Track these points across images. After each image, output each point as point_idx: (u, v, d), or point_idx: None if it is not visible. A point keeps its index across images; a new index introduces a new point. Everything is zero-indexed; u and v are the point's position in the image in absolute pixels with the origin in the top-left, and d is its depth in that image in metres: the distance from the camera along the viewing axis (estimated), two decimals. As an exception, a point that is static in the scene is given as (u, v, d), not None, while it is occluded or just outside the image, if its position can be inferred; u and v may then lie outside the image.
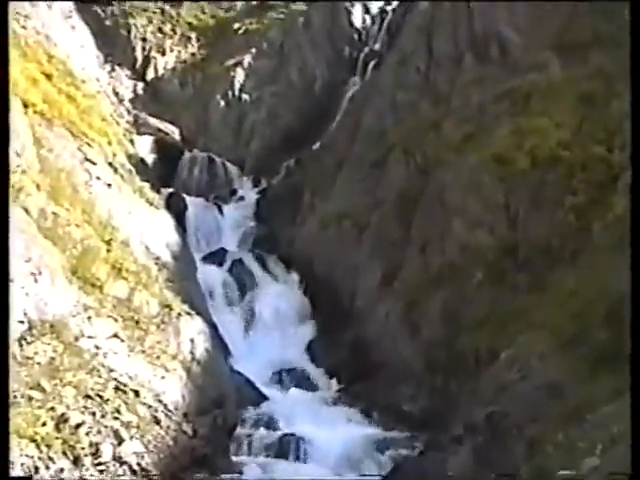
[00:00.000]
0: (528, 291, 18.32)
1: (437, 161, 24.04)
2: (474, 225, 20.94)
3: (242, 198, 35.52)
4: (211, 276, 27.77)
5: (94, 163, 19.24)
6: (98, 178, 18.95)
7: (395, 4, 43.80)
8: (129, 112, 38.26)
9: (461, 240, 21.15)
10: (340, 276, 26.43)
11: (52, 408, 10.46)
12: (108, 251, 15.12)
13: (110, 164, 21.49)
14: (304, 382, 23.77)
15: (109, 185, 19.61)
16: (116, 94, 38.62)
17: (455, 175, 22.39)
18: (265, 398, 21.77)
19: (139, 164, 27.06)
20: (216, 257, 29.63)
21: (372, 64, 38.47)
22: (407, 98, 29.26)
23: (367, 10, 43.62)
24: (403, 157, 26.22)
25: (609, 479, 8.41)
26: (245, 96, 40.59)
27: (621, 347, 10.10)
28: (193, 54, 44.22)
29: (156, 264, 19.25)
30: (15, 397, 9.87)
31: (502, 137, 22.05)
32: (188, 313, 16.24)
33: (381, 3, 44.28)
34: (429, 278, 21.74)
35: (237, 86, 40.97)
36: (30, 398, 10.34)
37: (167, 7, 46.55)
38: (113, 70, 40.79)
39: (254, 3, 46.89)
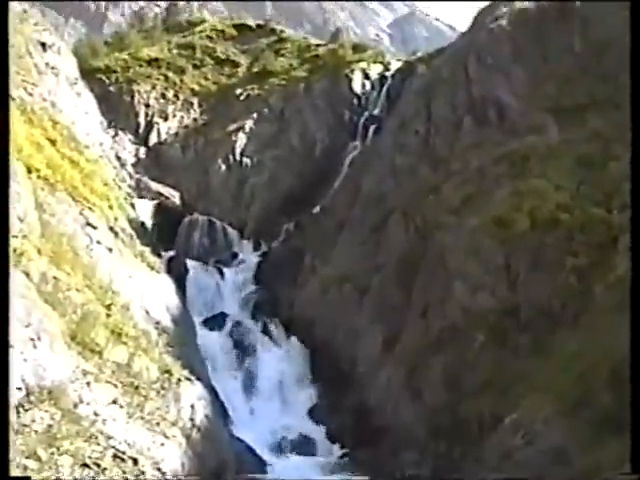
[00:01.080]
0: (530, 354, 18.18)
1: (437, 224, 24.16)
2: (475, 288, 20.93)
3: (243, 261, 35.61)
4: (211, 340, 27.63)
5: (95, 227, 19.38)
6: (99, 242, 19.05)
7: (394, 70, 44.93)
8: (131, 176, 38.76)
9: (462, 303, 21.10)
10: (341, 340, 26.28)
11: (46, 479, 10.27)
12: (108, 316, 15.10)
13: (111, 228, 21.63)
14: (305, 448, 23.39)
15: (110, 249, 19.71)
16: (119, 159, 39.12)
17: (455, 238, 22.48)
18: (266, 465, 21.39)
19: (140, 228, 27.20)
20: (216, 321, 29.55)
21: (372, 129, 39.25)
22: (407, 162, 29.65)
23: (367, 76, 44.65)
24: (403, 220, 26.37)
25: (614, 478, 8.23)
26: (246, 160, 41.21)
27: (625, 410, 9.99)
28: (195, 119, 45.13)
29: (156, 328, 19.18)
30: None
31: (501, 199, 22.26)
32: (188, 379, 16.10)
33: (380, 69, 45.38)
34: (430, 342, 21.61)
35: (238, 150, 41.65)
36: (25, 467, 10.18)
37: (170, 74, 47.84)
38: (116, 135, 41.59)
39: (255, 70, 48.20)
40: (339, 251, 29.67)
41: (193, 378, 16.60)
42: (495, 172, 23.96)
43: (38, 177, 17.47)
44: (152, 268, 23.45)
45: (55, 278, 13.59)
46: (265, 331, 29.27)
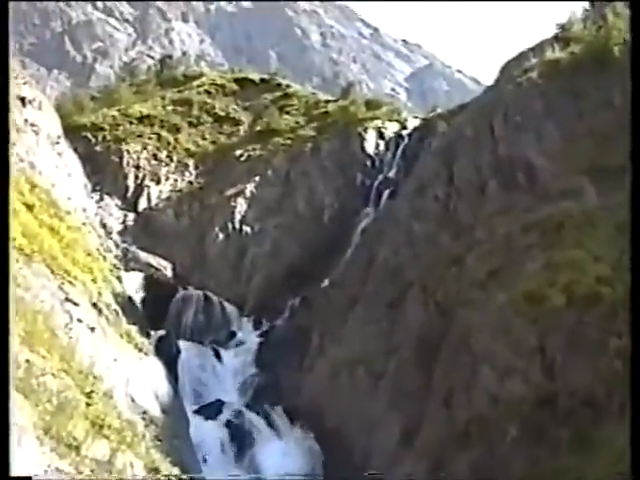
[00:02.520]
0: (571, 450, 17.77)
1: (460, 300, 24.00)
2: (505, 373, 20.63)
3: (242, 342, 35.45)
4: (206, 432, 27.23)
5: (76, 304, 19.39)
6: (80, 321, 19.02)
7: (411, 128, 45.55)
8: (117, 246, 38.98)
9: (490, 390, 20.78)
10: (353, 431, 25.86)
11: None
12: (88, 405, 14.91)
13: (94, 304, 21.65)
14: None
15: (92, 329, 19.66)
16: (104, 226, 39.49)
17: (481, 316, 22.31)
18: None
19: (127, 304, 27.20)
20: (212, 410, 29.18)
21: (387, 193, 39.60)
22: (425, 230, 29.72)
23: (381, 135, 45.29)
24: (422, 296, 26.26)
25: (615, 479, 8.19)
26: (246, 228, 41.48)
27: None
28: (190, 182, 45.66)
29: (143, 419, 18.94)
30: None
31: (533, 272, 22.13)
32: (179, 478, 15.80)
33: (396, 127, 46.02)
34: (455, 435, 21.20)
35: (238, 217, 41.97)
36: None
37: (164, 132, 48.67)
38: (102, 200, 42.06)
39: (258, 129, 48.99)
40: (351, 330, 29.48)
41: (184, 477, 16.29)
42: (525, 241, 23.90)
43: (12, 247, 17.58)
44: (140, 349, 23.32)
45: (28, 362, 13.49)
46: (267, 421, 28.85)
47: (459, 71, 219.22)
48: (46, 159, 28.62)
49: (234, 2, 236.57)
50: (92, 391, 15.94)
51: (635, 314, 8.29)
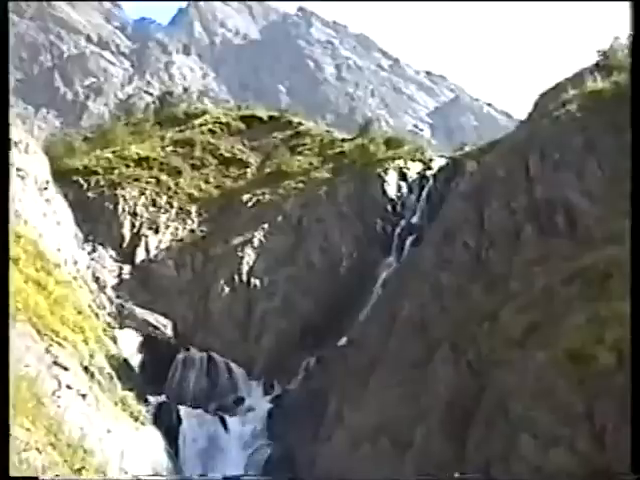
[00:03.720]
0: (625, 531, 17.40)
1: (495, 360, 23.73)
2: (548, 442, 20.30)
3: (251, 408, 35.16)
4: (210, 514, 26.93)
5: (65, 368, 19.34)
6: (69, 387, 18.95)
7: (436, 168, 45.63)
8: (112, 302, 38.98)
9: (532, 462, 20.41)
10: (377, 510, 25.44)
11: None
12: (77, 483, 14.78)
13: (86, 368, 21.59)
14: None
15: (83, 396, 19.58)
16: (97, 280, 39.53)
17: (519, 377, 22.02)
18: None
19: (122, 367, 27.13)
20: (216, 486, 28.88)
21: (410, 240, 39.55)
22: (454, 281, 29.48)
23: (403, 176, 45.38)
24: (452, 355, 25.98)
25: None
26: (255, 281, 41.40)
27: None
28: (193, 231, 45.80)
29: (138, 498, 18.74)
30: None
31: (576, 328, 21.85)
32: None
33: (419, 168, 46.12)
34: (493, 513, 20.83)
35: (245, 269, 41.94)
36: None
37: (164, 176, 48.99)
38: (94, 251, 42.14)
39: (267, 171, 49.26)
40: (372, 394, 29.17)
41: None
42: (567, 293, 23.67)
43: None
44: (136, 418, 23.20)
45: (9, 435, 13.37)
46: (279, 499, 28.50)
47: (488, 104, 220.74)
48: (33, 207, 28.84)
49: (241, 33, 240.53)
50: (82, 467, 15.80)
51: (635, 314, 9.16)
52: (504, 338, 24.19)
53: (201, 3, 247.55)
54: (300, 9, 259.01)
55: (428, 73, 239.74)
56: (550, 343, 22.16)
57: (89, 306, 28.12)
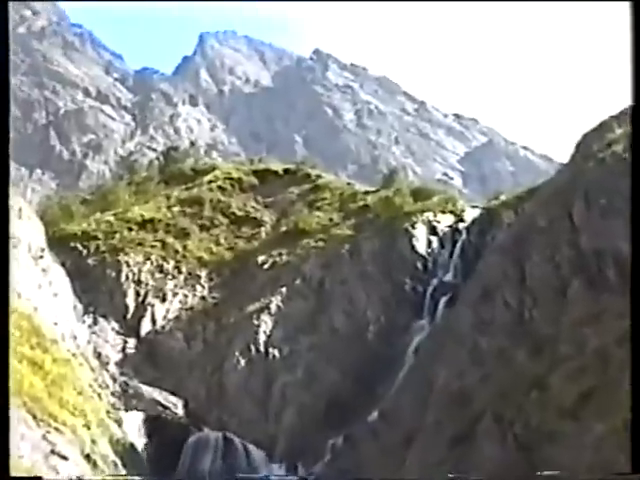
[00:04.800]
0: None
1: (546, 433, 23.38)
2: (609, 526, 19.84)
3: (272, 495, 34.74)
4: None
5: (64, 457, 19.11)
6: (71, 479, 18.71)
7: (470, 220, 45.48)
8: (115, 380, 38.81)
9: None
10: None
11: None
12: None
13: (87, 456, 21.34)
14: None
15: (84, 487, 19.30)
16: (98, 356, 39.42)
17: (574, 453, 21.66)
18: None
19: (128, 453, 26.86)
20: None
21: (444, 301, 39.25)
22: (495, 345, 29.25)
23: (434, 230, 45.21)
24: (496, 428, 25.62)
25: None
26: (274, 351, 41.15)
27: None
28: (203, 298, 45.71)
29: None
30: None
31: (636, 394, 21.54)
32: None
33: (451, 220, 45.99)
34: None
35: (263, 338, 41.71)
36: None
37: (170, 239, 49.14)
38: (95, 323, 42.11)
39: (283, 229, 49.32)
40: (408, 475, 28.75)
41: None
42: (622, 355, 23.30)
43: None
44: (144, 512, 22.86)
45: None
46: None
47: (525, 148, 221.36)
48: (27, 277, 28.86)
49: (251, 80, 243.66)
50: None
51: (635, 314, 9.80)
52: (555, 408, 23.87)
53: (208, 50, 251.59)
54: (315, 52, 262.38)
55: (457, 116, 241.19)
56: (607, 412, 21.79)
57: (90, 386, 27.94)
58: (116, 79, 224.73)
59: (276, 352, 41.22)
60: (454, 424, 28.10)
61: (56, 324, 29.18)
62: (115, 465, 23.97)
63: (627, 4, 11.53)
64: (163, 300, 44.98)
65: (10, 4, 9.85)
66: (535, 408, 24.75)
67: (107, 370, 39.09)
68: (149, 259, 47.17)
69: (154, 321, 43.84)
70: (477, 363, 29.64)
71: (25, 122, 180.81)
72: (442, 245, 44.40)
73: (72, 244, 46.51)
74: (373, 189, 53.36)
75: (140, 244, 48.24)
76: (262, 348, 41.44)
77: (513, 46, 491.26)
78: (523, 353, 27.93)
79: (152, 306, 44.45)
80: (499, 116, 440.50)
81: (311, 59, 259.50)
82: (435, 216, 46.38)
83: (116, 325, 42.94)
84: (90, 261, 46.20)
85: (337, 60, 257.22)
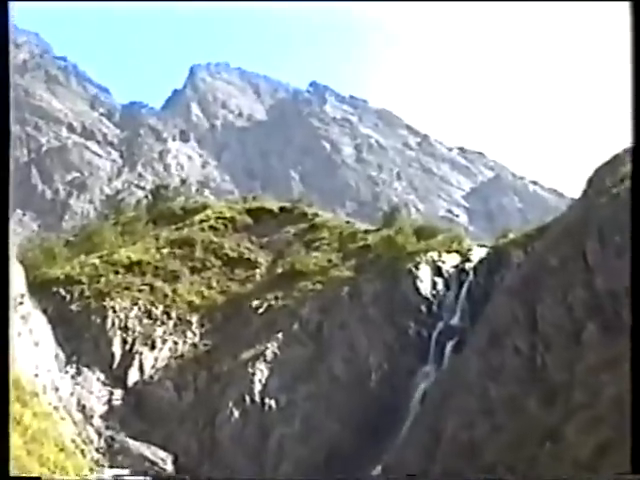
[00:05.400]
0: None
1: (561, 488, 23.19)
2: None
3: None
4: None
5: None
6: None
7: (477, 260, 45.40)
8: (100, 434, 38.49)
9: None
10: None
11: None
12: None
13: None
14: None
15: None
16: (82, 409, 39.12)
17: (591, 508, 21.46)
18: None
19: (114, 513, 26.51)
20: None
21: (450, 346, 39.19)
22: (505, 393, 29.15)
23: (438, 271, 45.12)
24: (509, 482, 25.47)
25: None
26: (270, 401, 40.87)
27: None
28: (195, 345, 45.48)
29: None
30: None
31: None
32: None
33: (457, 260, 45.91)
34: None
35: (258, 387, 41.45)
36: None
37: (159, 282, 48.98)
38: (79, 374, 41.83)
39: (279, 271, 49.20)
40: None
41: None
42: (642, 403, 23.16)
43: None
44: None
45: None
46: None
47: (534, 182, 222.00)
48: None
49: (244, 114, 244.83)
50: None
51: (635, 314, 9.90)
52: (570, 461, 23.68)
53: (199, 83, 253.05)
54: (312, 84, 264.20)
55: (462, 150, 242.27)
56: (626, 465, 21.51)
57: (73, 441, 27.65)
58: (102, 114, 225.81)
59: (272, 402, 40.94)
60: (465, 475, 27.93)
61: (37, 375, 28.95)
62: (99, 526, 23.61)
63: (627, 4, 11.69)
64: (152, 348, 44.75)
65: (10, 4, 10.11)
66: (549, 460, 24.57)
67: (91, 424, 38.76)
68: (136, 304, 46.99)
69: (142, 370, 43.56)
70: (487, 412, 29.50)
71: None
72: (447, 287, 44.29)
73: (54, 289, 46.34)
74: (374, 228, 53.39)
75: (127, 288, 48.07)
76: (257, 398, 41.17)
77: (520, 77, 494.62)
78: (535, 402, 27.80)
79: (140, 354, 44.19)
80: (506, 149, 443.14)
81: (308, 91, 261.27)
82: (440, 256, 46.31)
83: (101, 375, 42.66)
84: (74, 307, 46.00)
85: (335, 92, 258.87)
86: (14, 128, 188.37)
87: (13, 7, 10.80)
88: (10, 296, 8.51)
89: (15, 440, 21.20)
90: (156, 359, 44.29)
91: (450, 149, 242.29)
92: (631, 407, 9.65)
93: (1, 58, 10.00)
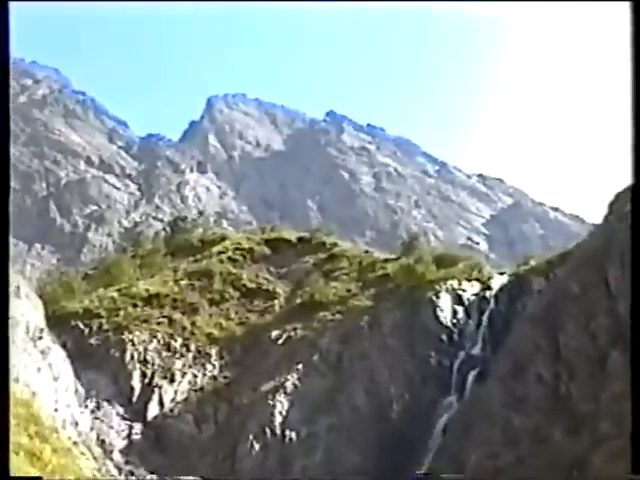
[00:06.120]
0: None
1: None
2: None
3: None
4: None
5: None
6: None
7: (497, 287, 45.17)
8: (120, 469, 38.28)
9: None
10: None
11: None
12: None
13: None
14: None
15: None
16: (102, 443, 38.94)
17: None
18: None
19: None
20: None
21: (473, 375, 38.88)
22: (529, 423, 28.91)
23: (459, 299, 44.90)
24: (534, 515, 25.17)
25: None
26: (290, 433, 40.63)
27: None
28: (214, 377, 45.32)
29: None
30: None
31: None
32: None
33: (477, 288, 45.70)
34: None
35: (278, 419, 41.22)
36: None
37: (178, 315, 48.92)
38: (99, 408, 41.73)
39: (298, 301, 49.08)
40: None
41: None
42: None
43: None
44: None
45: None
46: None
47: (555, 209, 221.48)
48: (25, 360, 28.60)
49: (262, 145, 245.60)
50: None
51: (635, 314, 10.18)
52: (597, 491, 23.42)
53: (216, 114, 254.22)
54: (329, 113, 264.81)
55: (481, 177, 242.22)
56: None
57: (93, 476, 27.49)
58: (120, 147, 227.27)
59: (293, 434, 40.70)
60: None
61: (56, 410, 28.84)
62: None
63: (627, 4, 11.65)
64: (171, 381, 44.62)
65: (12, 9, 10.21)
66: (576, 492, 24.32)
67: (111, 459, 38.57)
68: (155, 337, 46.93)
69: (162, 404, 43.42)
70: (511, 443, 29.24)
71: (24, 194, 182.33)
72: (468, 315, 44.07)
73: (73, 322, 46.33)
74: (393, 257, 53.23)
75: (146, 321, 48.04)
76: (278, 430, 40.93)
77: (539, 100, 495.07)
78: (560, 431, 27.54)
79: (159, 387, 44.07)
80: (526, 175, 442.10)
81: (325, 121, 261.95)
82: (460, 284, 46.12)
83: (121, 409, 42.54)
84: (92, 341, 45.98)
85: (352, 121, 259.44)
86: (34, 163, 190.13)
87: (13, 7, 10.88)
88: (10, 295, 8.49)
89: (34, 474, 21.11)
90: (176, 392, 44.16)
91: (469, 176, 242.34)
92: (631, 407, 9.89)
93: (1, 58, 10.08)
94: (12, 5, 10.62)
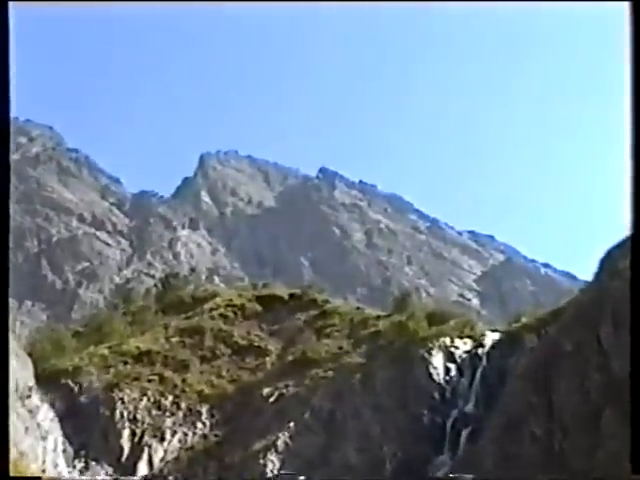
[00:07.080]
0: None
1: None
2: None
3: None
4: None
5: None
6: None
7: (490, 345, 45.01)
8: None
9: None
10: None
11: None
12: None
13: None
14: None
15: None
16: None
17: None
18: None
19: None
20: None
21: (465, 434, 38.54)
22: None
23: (451, 356, 44.68)
24: None
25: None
26: (283, 491, 40.23)
27: None
28: (205, 436, 44.91)
29: None
30: None
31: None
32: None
33: (470, 345, 45.52)
34: None
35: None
36: None
37: (168, 372, 48.58)
38: (87, 468, 41.25)
39: (290, 359, 48.80)
40: None
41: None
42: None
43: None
44: None
45: None
46: None
47: (546, 265, 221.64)
48: (12, 420, 28.28)
49: (254, 201, 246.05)
50: None
51: (635, 314, 10.26)
52: None
53: (209, 171, 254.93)
54: (321, 169, 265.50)
55: (473, 233, 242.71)
56: None
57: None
58: (112, 203, 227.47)
59: (286, 492, 40.32)
60: None
61: (44, 471, 28.53)
62: None
63: (626, 4, 11.70)
64: (161, 439, 44.20)
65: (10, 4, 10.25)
66: None
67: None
68: (146, 395, 46.55)
69: (151, 463, 42.96)
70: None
71: (15, 252, 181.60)
72: (461, 372, 43.83)
73: (63, 380, 45.92)
74: (385, 313, 53.06)
75: (136, 379, 47.67)
76: (270, 489, 40.57)
77: (528, 157, 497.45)
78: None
79: (149, 446, 43.64)
80: (517, 232, 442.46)
81: (317, 177, 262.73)
82: (452, 341, 45.93)
83: (110, 469, 42.07)
84: (82, 399, 45.57)
85: (344, 178, 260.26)
86: (25, 220, 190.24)
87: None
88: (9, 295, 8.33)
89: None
90: (165, 451, 43.72)
91: (460, 233, 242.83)
92: (631, 407, 9.63)
93: (1, 58, 9.99)
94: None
